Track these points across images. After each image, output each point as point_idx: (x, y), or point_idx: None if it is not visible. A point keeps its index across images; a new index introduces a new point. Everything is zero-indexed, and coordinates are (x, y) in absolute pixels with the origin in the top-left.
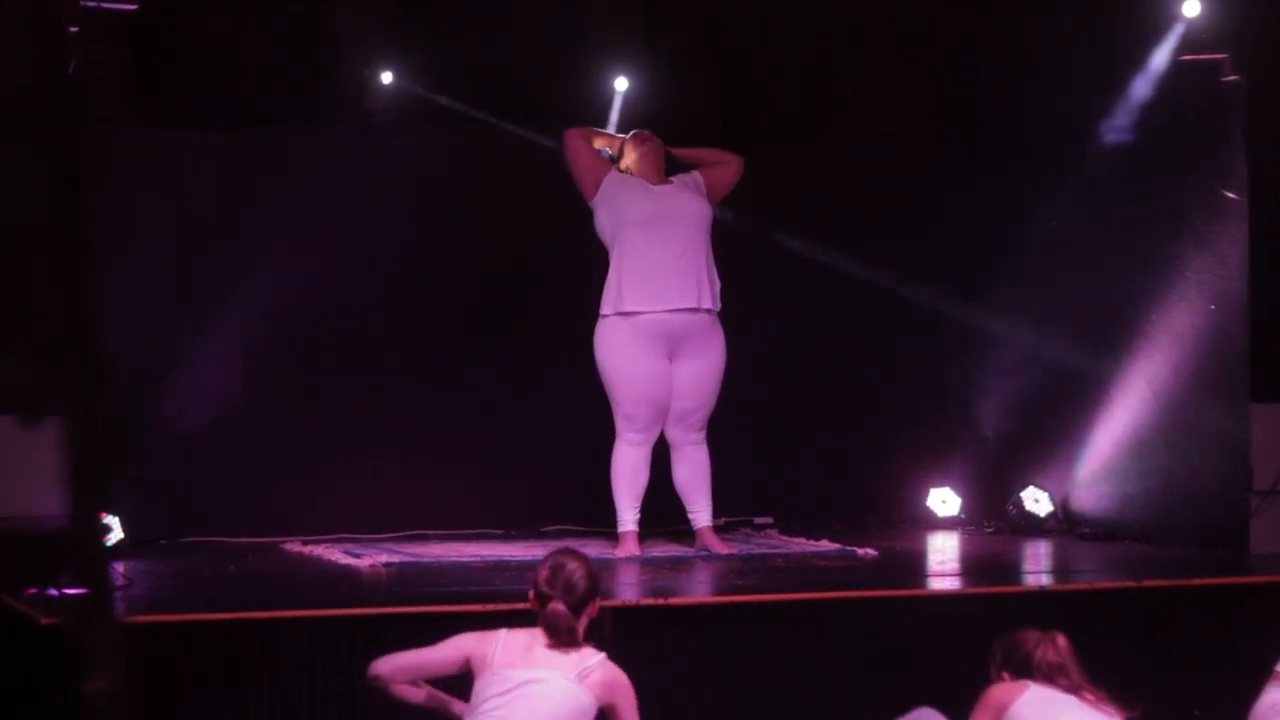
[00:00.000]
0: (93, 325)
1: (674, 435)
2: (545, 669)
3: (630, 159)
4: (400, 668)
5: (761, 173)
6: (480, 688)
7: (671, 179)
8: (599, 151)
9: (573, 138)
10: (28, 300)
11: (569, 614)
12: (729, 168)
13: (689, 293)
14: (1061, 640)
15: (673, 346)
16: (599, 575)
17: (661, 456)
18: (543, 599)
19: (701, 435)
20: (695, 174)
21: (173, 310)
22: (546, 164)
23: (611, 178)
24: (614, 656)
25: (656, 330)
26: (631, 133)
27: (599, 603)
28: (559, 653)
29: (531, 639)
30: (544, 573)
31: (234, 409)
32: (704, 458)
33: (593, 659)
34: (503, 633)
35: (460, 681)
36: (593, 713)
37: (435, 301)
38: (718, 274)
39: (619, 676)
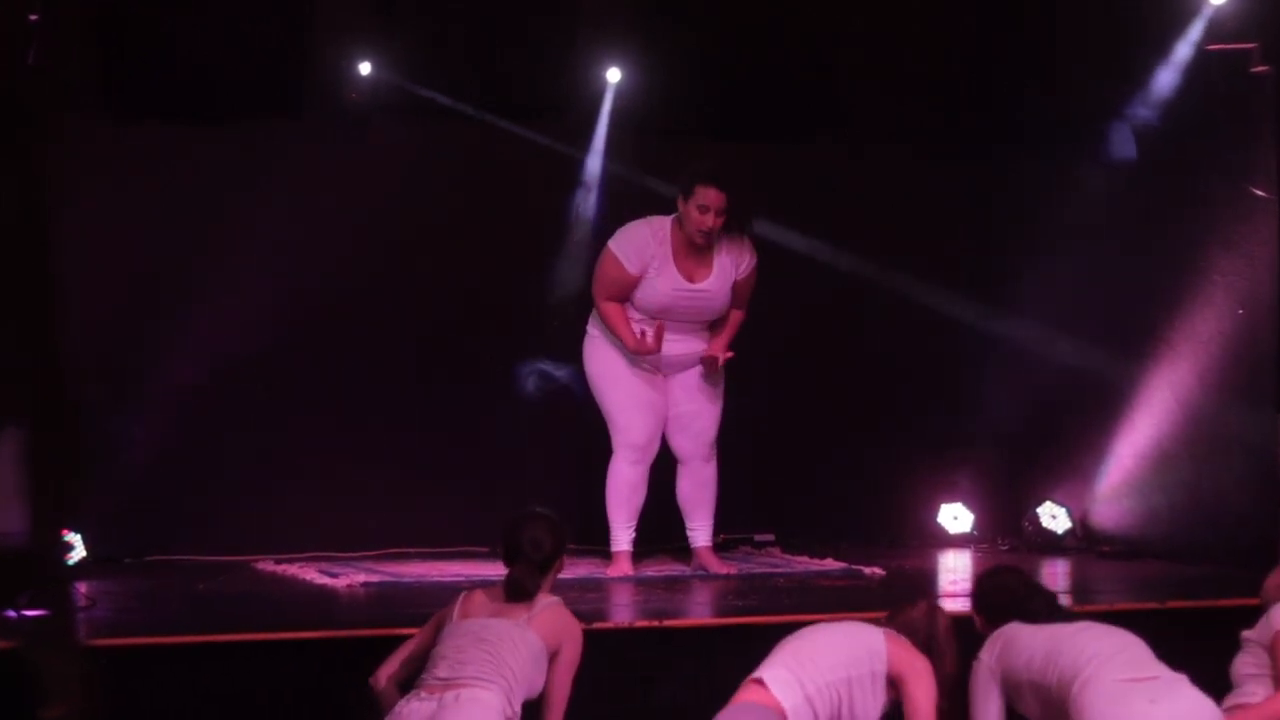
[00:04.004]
0: (54, 337)
1: (683, 448)
2: (498, 617)
3: (685, 223)
4: (399, 663)
5: (764, 174)
6: (439, 640)
7: (715, 260)
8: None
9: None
10: None
11: (535, 570)
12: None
13: (688, 347)
14: None
15: (670, 362)
16: (565, 533)
17: (661, 469)
18: (511, 555)
19: (711, 451)
20: (742, 264)
21: (138, 319)
22: (531, 159)
23: (652, 263)
24: (609, 670)
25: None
26: (698, 187)
27: (564, 560)
28: (515, 604)
29: (490, 596)
30: (512, 529)
31: (203, 419)
32: (710, 474)
33: (543, 601)
34: (462, 594)
35: None
36: (543, 652)
37: (418, 307)
38: None
39: (568, 622)
